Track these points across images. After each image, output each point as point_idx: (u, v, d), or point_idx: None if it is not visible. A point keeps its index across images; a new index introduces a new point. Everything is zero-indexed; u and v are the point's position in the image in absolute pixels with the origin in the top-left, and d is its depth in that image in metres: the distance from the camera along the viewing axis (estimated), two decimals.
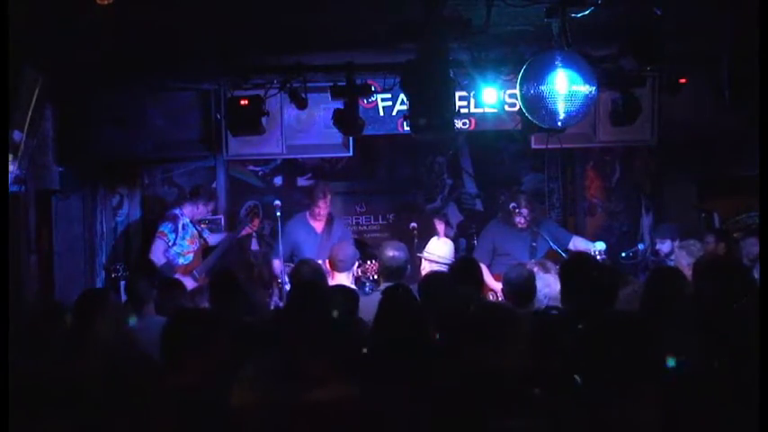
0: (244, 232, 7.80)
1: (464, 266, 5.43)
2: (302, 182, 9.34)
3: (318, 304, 4.30)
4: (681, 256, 6.31)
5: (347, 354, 3.26)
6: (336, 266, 6.07)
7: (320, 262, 6.42)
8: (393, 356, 3.46)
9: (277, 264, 7.12)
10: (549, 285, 5.08)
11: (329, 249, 6.54)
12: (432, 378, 3.18)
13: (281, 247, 7.01)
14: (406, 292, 4.23)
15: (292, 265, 7.00)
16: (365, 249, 7.68)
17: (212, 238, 7.68)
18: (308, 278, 5.24)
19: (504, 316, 3.18)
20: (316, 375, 3.07)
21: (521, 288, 4.90)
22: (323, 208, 7.23)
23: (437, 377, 3.17)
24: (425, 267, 6.76)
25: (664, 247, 7.30)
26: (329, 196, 7.29)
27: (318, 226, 7.32)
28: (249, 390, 3.08)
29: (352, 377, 3.10)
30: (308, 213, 7.34)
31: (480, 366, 2.97)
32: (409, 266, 5.73)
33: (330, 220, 7.38)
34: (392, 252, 5.58)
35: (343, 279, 5.95)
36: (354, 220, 9.42)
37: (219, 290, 5.07)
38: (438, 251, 6.91)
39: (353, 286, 5.92)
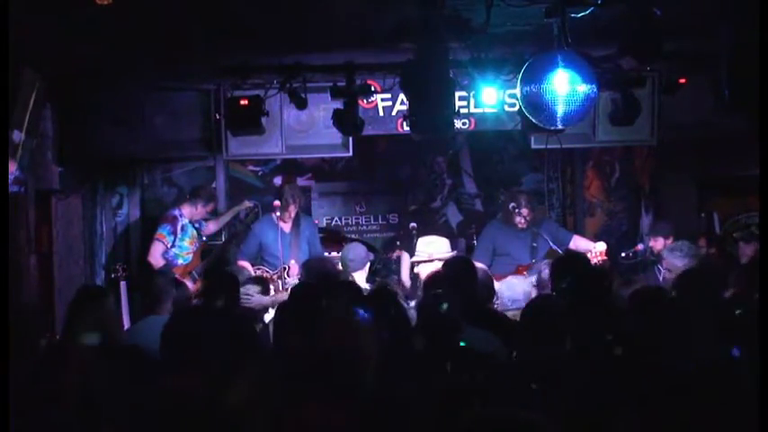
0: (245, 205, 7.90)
1: (457, 266, 5.24)
2: (302, 182, 9.35)
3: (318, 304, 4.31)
4: (674, 258, 6.28)
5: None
6: (347, 266, 6.08)
7: (293, 263, 6.96)
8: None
9: (244, 265, 7.16)
10: (511, 288, 5.44)
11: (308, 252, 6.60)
12: None
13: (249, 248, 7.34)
14: None
15: (260, 266, 7.12)
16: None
17: (212, 226, 7.75)
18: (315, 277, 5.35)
19: None
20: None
21: None
22: (293, 212, 7.31)
23: None
24: (421, 271, 6.24)
25: (656, 244, 7.29)
26: (299, 200, 7.42)
27: (286, 226, 7.33)
28: (247, 390, 3.07)
29: None
30: (276, 215, 7.29)
31: None
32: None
33: (297, 219, 7.42)
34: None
35: (358, 278, 5.99)
36: (354, 220, 9.42)
37: (221, 289, 5.07)
38: (428, 249, 6.46)
39: (367, 285, 5.97)
